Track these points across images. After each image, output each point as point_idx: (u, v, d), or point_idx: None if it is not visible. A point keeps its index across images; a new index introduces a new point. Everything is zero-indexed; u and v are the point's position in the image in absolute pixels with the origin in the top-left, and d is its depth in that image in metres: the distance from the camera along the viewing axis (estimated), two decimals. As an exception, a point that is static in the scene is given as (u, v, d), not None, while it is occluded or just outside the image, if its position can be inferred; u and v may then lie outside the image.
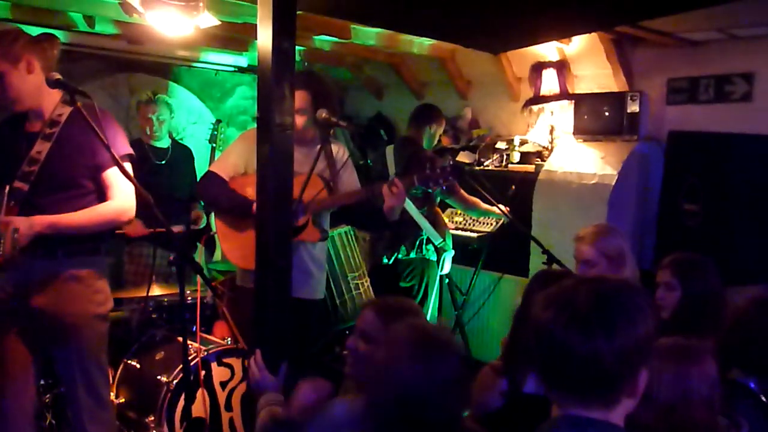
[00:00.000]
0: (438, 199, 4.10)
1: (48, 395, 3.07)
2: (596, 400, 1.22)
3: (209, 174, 2.98)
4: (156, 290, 3.61)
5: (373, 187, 2.87)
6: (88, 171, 2.42)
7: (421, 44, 4.79)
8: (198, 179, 3.07)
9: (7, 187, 2.35)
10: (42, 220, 2.30)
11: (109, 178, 2.45)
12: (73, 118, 2.37)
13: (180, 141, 4.72)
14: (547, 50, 4.56)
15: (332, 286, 4.16)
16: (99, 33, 4.48)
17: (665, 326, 2.19)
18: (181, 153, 4.42)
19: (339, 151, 3.04)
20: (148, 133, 4.26)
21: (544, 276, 2.17)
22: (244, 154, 2.91)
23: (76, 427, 2.57)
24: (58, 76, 2.27)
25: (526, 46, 4.33)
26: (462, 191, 4.05)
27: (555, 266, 3.15)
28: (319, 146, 2.78)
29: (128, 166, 2.45)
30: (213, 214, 3.05)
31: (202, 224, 4.18)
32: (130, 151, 2.52)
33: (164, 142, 4.32)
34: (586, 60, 4.48)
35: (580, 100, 4.41)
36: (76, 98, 2.24)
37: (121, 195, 2.45)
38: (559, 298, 1.25)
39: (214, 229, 3.71)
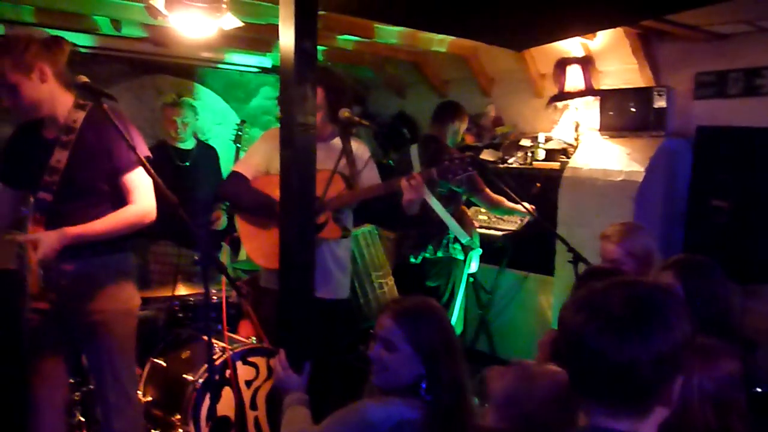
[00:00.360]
0: (464, 198, 4.08)
1: (78, 392, 3.11)
2: (628, 409, 1.17)
3: (233, 174, 2.99)
4: (181, 290, 3.65)
5: (392, 181, 2.86)
6: (107, 175, 2.44)
7: (444, 42, 4.77)
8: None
9: (32, 198, 2.40)
10: (69, 233, 2.33)
11: (129, 181, 2.46)
12: (87, 123, 2.39)
13: (206, 141, 4.76)
14: (571, 46, 4.51)
15: (356, 285, 4.16)
16: (125, 36, 4.54)
17: None
18: (206, 154, 4.46)
19: (359, 148, 3.03)
20: (173, 135, 4.30)
21: (593, 272, 2.13)
22: (267, 154, 2.93)
23: (103, 424, 2.61)
24: (84, 79, 2.29)
25: (550, 42, 4.28)
26: (487, 189, 4.03)
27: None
28: (336, 140, 2.82)
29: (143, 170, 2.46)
30: (236, 214, 3.06)
31: (222, 225, 4.19)
32: (148, 153, 2.52)
33: (189, 143, 4.36)
34: (611, 55, 4.42)
35: (605, 96, 4.35)
36: (101, 100, 2.26)
37: (142, 198, 2.47)
38: (590, 301, 1.20)
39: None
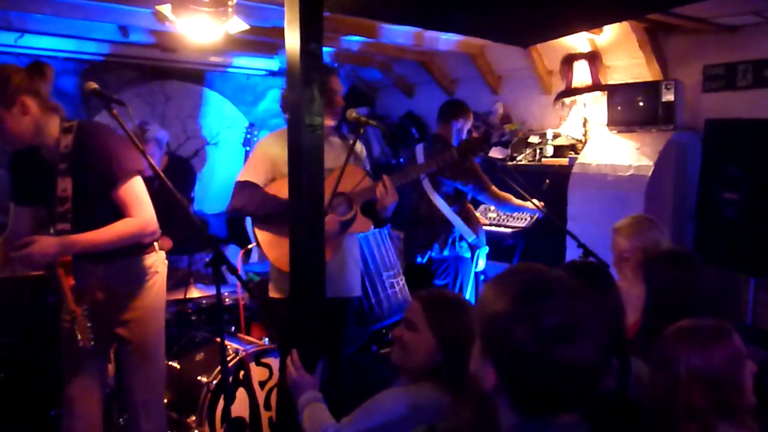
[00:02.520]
0: (470, 196, 4.09)
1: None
2: None
3: (244, 184, 2.91)
4: (194, 292, 3.68)
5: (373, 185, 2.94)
6: (109, 191, 2.46)
7: (450, 41, 4.78)
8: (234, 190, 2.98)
9: (52, 230, 2.43)
10: (68, 241, 2.34)
11: (126, 194, 2.46)
12: (77, 146, 2.40)
13: (174, 155, 4.67)
14: (578, 41, 4.50)
15: (367, 285, 4.18)
16: (133, 42, 4.58)
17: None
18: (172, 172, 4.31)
19: (358, 146, 3.09)
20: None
21: (574, 267, 2.12)
22: (272, 161, 2.91)
23: (131, 425, 2.66)
24: (94, 85, 2.32)
25: (556, 38, 4.28)
26: (493, 187, 4.03)
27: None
28: (333, 138, 2.93)
29: (139, 181, 2.49)
30: (253, 225, 2.97)
31: None
32: (141, 168, 2.53)
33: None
34: (619, 50, 4.41)
35: (613, 90, 4.34)
36: (111, 106, 2.29)
37: (141, 211, 2.48)
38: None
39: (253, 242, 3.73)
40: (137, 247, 2.54)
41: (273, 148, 2.93)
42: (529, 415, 1.15)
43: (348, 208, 2.91)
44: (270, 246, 2.88)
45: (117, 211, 2.46)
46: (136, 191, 2.47)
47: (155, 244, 2.63)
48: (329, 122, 2.90)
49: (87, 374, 2.57)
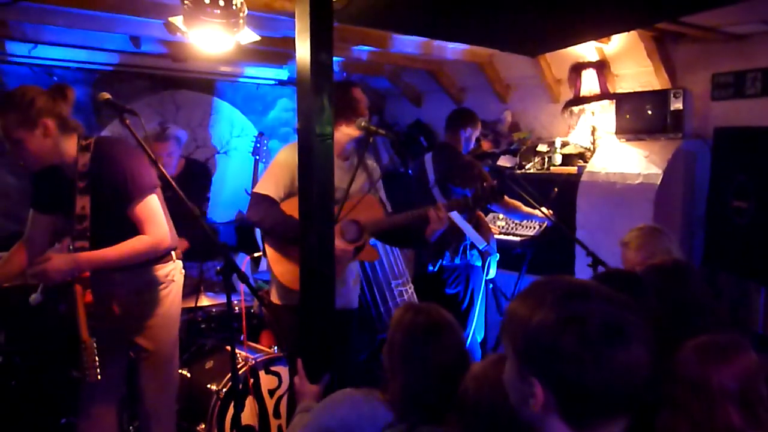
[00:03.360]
0: (479, 204, 4.09)
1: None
2: None
3: (262, 198, 2.86)
4: (204, 300, 3.70)
5: (420, 210, 2.96)
6: (125, 209, 2.51)
7: (458, 50, 4.80)
8: (250, 201, 2.94)
9: (70, 246, 2.49)
10: (80, 258, 2.38)
11: (141, 212, 2.50)
12: (94, 164, 2.47)
13: (189, 158, 4.72)
14: (586, 50, 4.52)
15: (376, 293, 4.19)
16: (145, 53, 4.63)
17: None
18: (189, 174, 4.27)
19: (372, 165, 3.13)
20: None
21: (610, 276, 2.14)
22: (290, 173, 2.88)
23: (142, 430, 2.71)
24: (107, 96, 2.36)
25: (564, 47, 4.29)
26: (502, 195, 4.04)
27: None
28: (348, 160, 2.95)
29: (155, 198, 2.54)
30: (263, 238, 2.97)
31: None
32: (158, 182, 2.60)
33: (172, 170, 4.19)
34: (627, 58, 4.42)
35: (621, 99, 4.35)
36: (124, 116, 2.32)
37: (155, 228, 2.52)
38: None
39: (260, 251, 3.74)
40: (158, 256, 2.59)
41: (290, 160, 2.91)
42: (581, 426, 1.13)
43: (359, 236, 2.92)
44: (276, 261, 2.88)
45: (134, 227, 2.50)
46: (150, 209, 2.50)
47: (172, 253, 2.67)
48: (356, 133, 2.92)
49: (104, 381, 2.58)
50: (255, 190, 2.93)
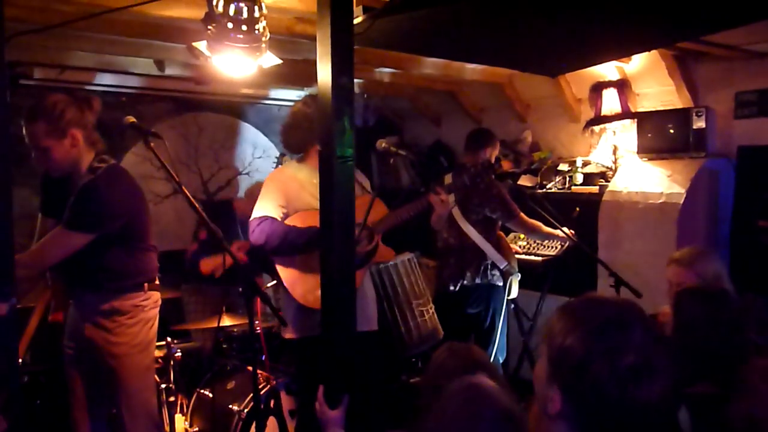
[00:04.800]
0: (499, 223, 4.09)
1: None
2: None
3: (261, 219, 2.83)
4: (226, 321, 3.72)
5: (422, 198, 2.97)
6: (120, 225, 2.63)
7: (478, 70, 4.82)
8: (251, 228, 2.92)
9: None
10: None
11: (49, 235, 2.60)
12: (82, 188, 2.56)
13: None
14: (607, 69, 4.51)
15: (397, 313, 4.17)
16: (168, 76, 4.71)
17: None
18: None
19: (359, 175, 3.11)
20: None
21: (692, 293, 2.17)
22: (285, 196, 2.90)
23: None
24: (132, 119, 2.42)
25: (585, 68, 4.29)
26: (522, 215, 4.02)
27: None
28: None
29: (79, 239, 2.56)
30: (275, 264, 2.89)
31: None
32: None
33: None
34: (648, 77, 4.40)
35: (643, 118, 4.33)
36: (149, 139, 2.37)
37: (36, 254, 2.60)
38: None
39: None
40: (123, 286, 2.67)
41: (284, 181, 2.96)
42: None
43: (369, 238, 2.92)
44: (294, 284, 2.84)
45: (87, 254, 2.56)
46: (54, 238, 2.55)
47: (145, 285, 2.72)
48: None
49: (84, 396, 2.76)
50: (253, 216, 2.89)
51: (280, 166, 3.12)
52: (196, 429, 3.40)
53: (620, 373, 1.10)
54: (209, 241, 3.93)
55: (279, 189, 2.91)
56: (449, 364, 1.83)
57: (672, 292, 2.58)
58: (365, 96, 5.64)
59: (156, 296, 2.81)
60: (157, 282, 2.82)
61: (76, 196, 2.55)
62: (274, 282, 2.88)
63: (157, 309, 2.82)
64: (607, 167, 4.62)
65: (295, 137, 3.04)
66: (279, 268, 2.87)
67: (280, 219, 2.84)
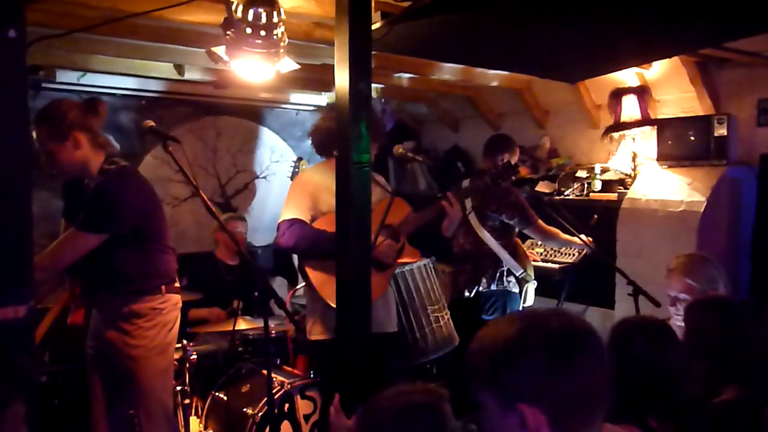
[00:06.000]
0: (516, 230, 4.06)
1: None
2: None
3: (292, 222, 2.87)
4: (241, 324, 3.73)
5: (437, 204, 3.04)
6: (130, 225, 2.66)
7: (497, 76, 4.80)
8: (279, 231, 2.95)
9: None
10: None
11: (63, 236, 2.66)
12: (94, 191, 2.61)
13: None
14: (627, 76, 4.47)
15: (412, 319, 4.16)
16: (188, 80, 4.75)
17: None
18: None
19: (378, 176, 3.14)
20: (225, 251, 4.49)
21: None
22: (310, 198, 2.93)
23: None
24: (151, 123, 2.45)
25: (605, 74, 4.26)
26: (540, 221, 3.99)
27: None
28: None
29: (94, 239, 2.59)
30: (302, 264, 2.93)
31: None
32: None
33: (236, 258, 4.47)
34: (669, 84, 4.36)
35: (663, 125, 4.28)
36: (167, 143, 2.39)
37: (49, 255, 2.59)
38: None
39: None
40: (139, 289, 2.69)
41: (312, 183, 2.98)
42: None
43: (395, 240, 2.94)
44: (323, 285, 2.85)
45: (103, 252, 2.60)
46: (67, 240, 2.58)
47: (162, 287, 2.74)
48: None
49: (104, 396, 2.80)
50: (282, 219, 2.93)
51: (305, 168, 3.15)
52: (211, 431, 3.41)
53: (555, 345, 1.13)
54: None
55: (306, 192, 2.95)
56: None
57: (671, 303, 2.57)
58: (382, 101, 5.64)
59: (175, 299, 2.82)
60: (176, 285, 2.84)
61: (87, 198, 2.59)
62: (304, 284, 2.91)
63: (177, 312, 2.84)
64: (626, 174, 4.58)
65: (324, 140, 3.07)
66: (308, 270, 2.90)
67: (308, 221, 2.88)
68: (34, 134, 2.55)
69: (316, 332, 2.96)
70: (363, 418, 1.69)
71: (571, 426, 1.14)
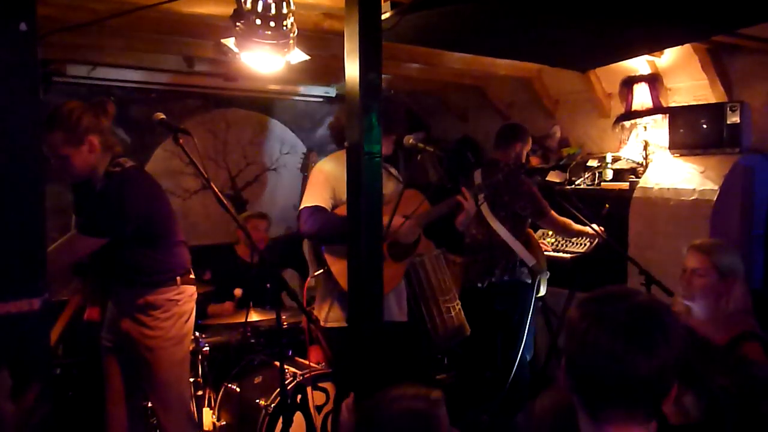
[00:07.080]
0: (529, 221, 4.05)
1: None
2: (631, 419, 1.23)
3: (314, 209, 2.88)
4: (253, 316, 3.74)
5: (452, 199, 3.03)
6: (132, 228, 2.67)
7: (507, 65, 4.77)
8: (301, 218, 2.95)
9: None
10: None
11: (65, 237, 2.66)
12: (98, 192, 2.64)
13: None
14: (638, 64, 4.43)
15: (423, 309, 4.16)
16: (197, 72, 4.75)
17: None
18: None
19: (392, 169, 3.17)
20: (246, 248, 4.50)
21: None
22: (330, 187, 2.94)
23: None
24: (161, 116, 2.46)
25: (615, 62, 4.23)
26: (552, 212, 3.98)
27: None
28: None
29: (93, 243, 2.62)
30: (324, 252, 2.93)
31: None
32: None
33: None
34: (680, 71, 4.32)
35: (675, 113, 4.24)
36: (178, 136, 2.39)
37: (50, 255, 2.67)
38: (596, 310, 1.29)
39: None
40: (154, 281, 2.71)
41: (331, 173, 2.97)
42: (595, 415, 1.27)
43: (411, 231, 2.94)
44: (342, 272, 2.81)
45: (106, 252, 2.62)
46: (66, 243, 2.59)
47: (177, 279, 2.76)
48: (389, 148, 2.96)
49: (120, 387, 2.84)
50: (304, 205, 2.93)
51: (323, 159, 3.15)
52: (224, 423, 3.43)
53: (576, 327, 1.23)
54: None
55: (327, 181, 2.96)
56: None
57: (684, 278, 2.55)
58: (391, 91, 5.62)
59: (191, 290, 2.84)
60: (191, 276, 2.86)
61: (91, 202, 2.62)
62: (321, 270, 2.91)
63: (193, 303, 2.86)
64: (638, 163, 4.55)
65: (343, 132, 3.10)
66: (327, 257, 2.90)
67: (330, 208, 2.90)
68: (43, 140, 2.57)
69: (332, 319, 2.97)
70: (360, 424, 1.71)
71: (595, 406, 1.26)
